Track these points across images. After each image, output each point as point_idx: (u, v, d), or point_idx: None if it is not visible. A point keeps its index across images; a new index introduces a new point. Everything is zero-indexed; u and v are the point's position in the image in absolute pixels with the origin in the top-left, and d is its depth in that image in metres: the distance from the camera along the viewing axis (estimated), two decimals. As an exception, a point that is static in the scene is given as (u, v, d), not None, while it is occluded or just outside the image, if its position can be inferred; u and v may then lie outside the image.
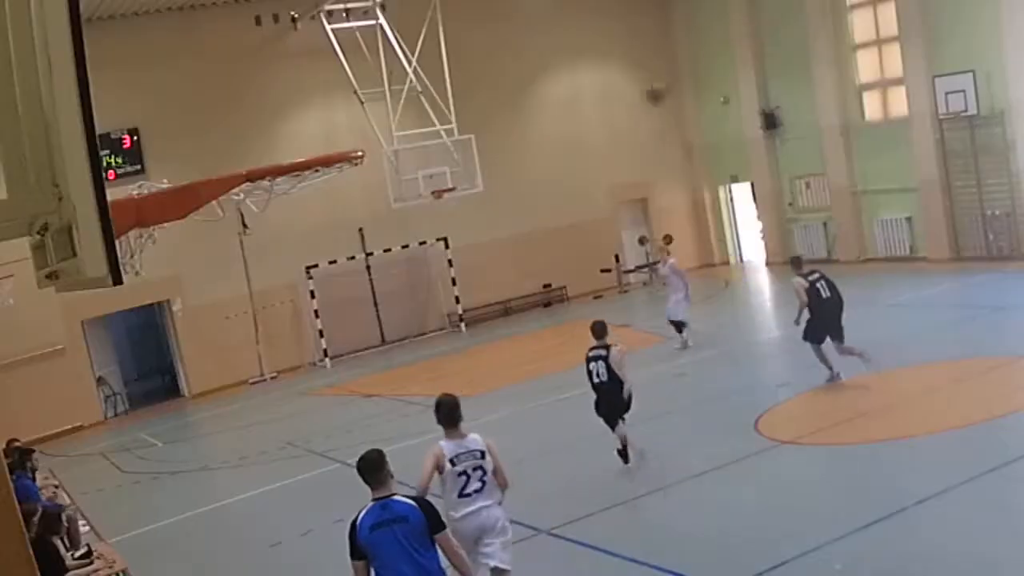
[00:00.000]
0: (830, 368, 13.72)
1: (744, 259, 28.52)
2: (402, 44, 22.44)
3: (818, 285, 13.63)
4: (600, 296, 26.36)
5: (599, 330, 11.78)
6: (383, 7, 22.60)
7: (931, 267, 21.56)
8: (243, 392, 22.42)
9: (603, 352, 11.60)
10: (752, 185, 27.40)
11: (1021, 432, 10.88)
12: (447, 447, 7.51)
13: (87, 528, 12.92)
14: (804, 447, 11.59)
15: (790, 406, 13.59)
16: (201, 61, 22.79)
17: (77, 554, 10.01)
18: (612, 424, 11.81)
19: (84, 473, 17.07)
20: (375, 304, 24.43)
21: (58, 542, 9.66)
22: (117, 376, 23.31)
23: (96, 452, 18.92)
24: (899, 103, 23.01)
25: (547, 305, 26.16)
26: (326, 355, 23.76)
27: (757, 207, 27.46)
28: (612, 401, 11.64)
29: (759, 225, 27.52)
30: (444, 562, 6.48)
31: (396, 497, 6.36)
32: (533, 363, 19.83)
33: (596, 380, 11.67)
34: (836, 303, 13.67)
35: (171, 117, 22.24)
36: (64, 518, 10.72)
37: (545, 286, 26.18)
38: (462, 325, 25.02)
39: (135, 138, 22.02)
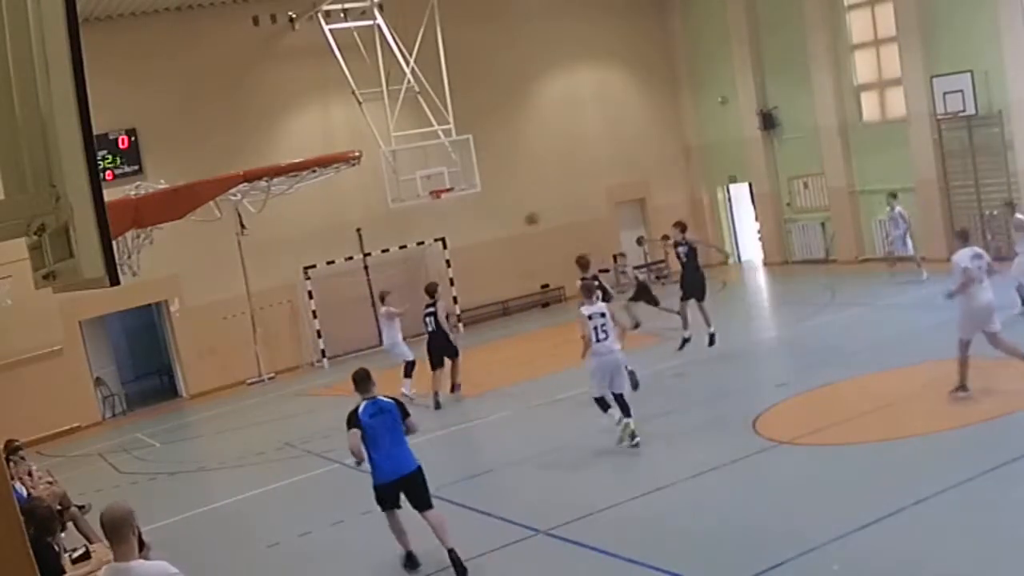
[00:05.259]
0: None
1: (742, 259, 28.51)
2: (400, 44, 22.43)
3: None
4: (598, 296, 26.31)
5: (431, 290, 16.78)
6: (381, 7, 22.59)
7: (929, 267, 21.53)
8: (241, 393, 22.38)
9: (432, 309, 16.44)
10: (750, 185, 27.39)
11: (1021, 432, 10.88)
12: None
13: (86, 529, 12.85)
14: (803, 447, 11.57)
15: (789, 406, 13.57)
16: (199, 61, 22.75)
17: (75, 555, 9.98)
18: (437, 364, 16.59)
19: (82, 474, 17.02)
20: (373, 304, 24.36)
21: (54, 543, 9.62)
22: (115, 376, 23.26)
23: (94, 453, 18.89)
24: (897, 103, 23.01)
25: (545, 305, 26.13)
26: (324, 355, 23.74)
27: (755, 207, 27.45)
28: (441, 344, 16.57)
29: (757, 225, 27.51)
30: None
31: (380, 397, 9.83)
32: (531, 363, 19.81)
33: (429, 329, 16.59)
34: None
35: (169, 117, 22.21)
36: (63, 518, 10.70)
37: (543, 286, 26.14)
38: (460, 326, 24.98)
39: (132, 138, 21.97)
